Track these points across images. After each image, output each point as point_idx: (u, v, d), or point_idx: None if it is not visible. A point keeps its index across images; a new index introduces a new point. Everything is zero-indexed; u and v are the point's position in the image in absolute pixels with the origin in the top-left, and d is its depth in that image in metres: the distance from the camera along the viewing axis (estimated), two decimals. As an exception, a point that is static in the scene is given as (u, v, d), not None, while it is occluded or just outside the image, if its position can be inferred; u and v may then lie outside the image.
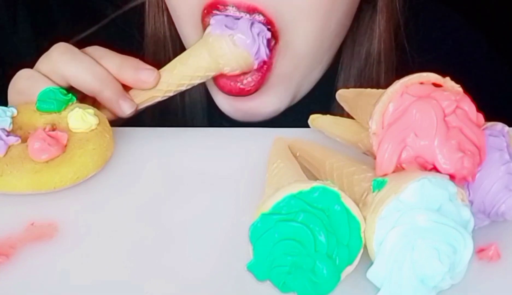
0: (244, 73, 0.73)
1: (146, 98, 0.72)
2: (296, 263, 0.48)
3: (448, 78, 0.54)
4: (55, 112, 0.65)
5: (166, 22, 0.83)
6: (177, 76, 0.73)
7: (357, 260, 0.50)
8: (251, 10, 0.71)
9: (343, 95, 0.65)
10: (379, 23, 0.79)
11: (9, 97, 0.72)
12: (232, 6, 0.71)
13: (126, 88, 0.72)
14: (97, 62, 0.71)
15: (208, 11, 0.72)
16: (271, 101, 0.77)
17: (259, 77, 0.74)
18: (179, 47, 0.82)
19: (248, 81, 0.74)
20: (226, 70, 0.72)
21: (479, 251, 0.54)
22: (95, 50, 0.72)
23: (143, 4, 0.86)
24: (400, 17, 0.80)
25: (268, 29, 0.72)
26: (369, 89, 0.61)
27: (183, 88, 0.73)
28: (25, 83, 0.71)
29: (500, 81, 0.92)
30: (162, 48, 0.84)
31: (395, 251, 0.48)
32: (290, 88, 0.78)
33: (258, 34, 0.72)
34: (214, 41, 0.72)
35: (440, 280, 0.48)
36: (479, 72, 0.87)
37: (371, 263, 0.49)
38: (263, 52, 0.72)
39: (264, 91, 0.75)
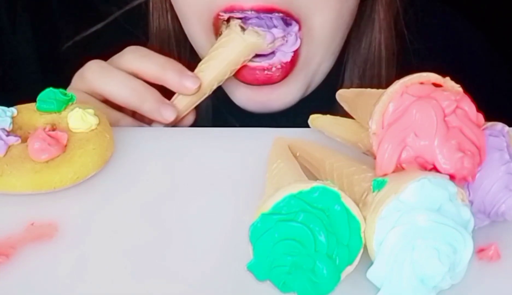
0: (270, 65, 0.74)
1: (189, 101, 0.74)
2: (296, 263, 0.48)
3: (448, 78, 0.54)
4: (55, 112, 0.65)
5: (170, 22, 0.83)
6: (216, 69, 0.73)
7: (357, 260, 0.50)
8: (270, 10, 0.73)
9: (343, 95, 0.65)
10: (379, 12, 0.80)
11: None
12: (251, 11, 0.73)
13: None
14: (129, 74, 0.71)
15: (221, 16, 0.74)
16: (290, 91, 0.78)
17: (287, 65, 0.75)
18: (184, 47, 0.82)
19: (277, 68, 0.75)
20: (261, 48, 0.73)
21: (479, 251, 0.54)
22: (137, 50, 0.72)
23: (145, 4, 0.86)
24: (399, 6, 0.82)
25: (288, 20, 0.74)
26: (369, 89, 0.61)
27: (225, 78, 0.74)
28: None
29: (500, 81, 0.92)
30: (167, 48, 0.84)
31: (395, 251, 0.48)
32: (307, 77, 0.79)
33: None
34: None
35: (440, 280, 0.48)
36: (479, 71, 0.88)
37: (371, 263, 0.49)
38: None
39: (286, 81, 0.76)
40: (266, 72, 0.75)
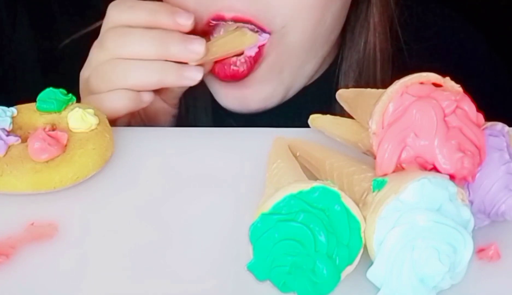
0: (237, 55, 0.76)
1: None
2: (296, 263, 0.48)
3: (448, 78, 0.54)
4: (55, 112, 0.65)
5: None
6: None
7: (357, 260, 0.50)
8: (246, 22, 0.75)
9: (343, 95, 0.65)
10: (374, 15, 0.81)
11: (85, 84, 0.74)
12: (231, 21, 0.75)
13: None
14: (144, 28, 0.72)
15: (211, 23, 0.76)
16: (264, 89, 0.79)
17: (252, 59, 0.76)
18: None
19: (241, 62, 0.76)
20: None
21: (479, 251, 0.54)
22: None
23: None
24: (394, 8, 0.82)
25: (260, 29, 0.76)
26: (369, 89, 0.61)
27: None
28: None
29: (500, 81, 0.92)
30: None
31: (395, 251, 0.48)
32: (282, 78, 0.79)
33: None
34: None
35: (440, 280, 0.48)
36: (479, 71, 0.88)
37: (371, 263, 0.49)
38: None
39: (257, 79, 0.77)
40: (232, 67, 0.76)
